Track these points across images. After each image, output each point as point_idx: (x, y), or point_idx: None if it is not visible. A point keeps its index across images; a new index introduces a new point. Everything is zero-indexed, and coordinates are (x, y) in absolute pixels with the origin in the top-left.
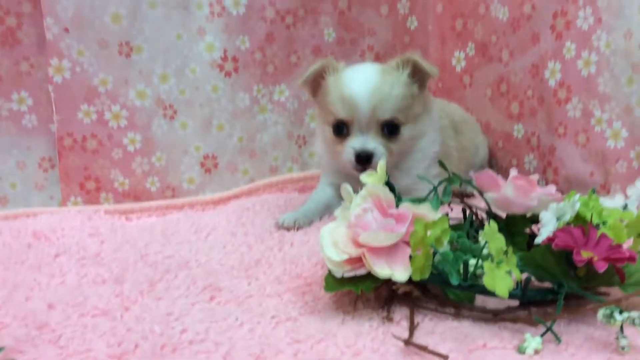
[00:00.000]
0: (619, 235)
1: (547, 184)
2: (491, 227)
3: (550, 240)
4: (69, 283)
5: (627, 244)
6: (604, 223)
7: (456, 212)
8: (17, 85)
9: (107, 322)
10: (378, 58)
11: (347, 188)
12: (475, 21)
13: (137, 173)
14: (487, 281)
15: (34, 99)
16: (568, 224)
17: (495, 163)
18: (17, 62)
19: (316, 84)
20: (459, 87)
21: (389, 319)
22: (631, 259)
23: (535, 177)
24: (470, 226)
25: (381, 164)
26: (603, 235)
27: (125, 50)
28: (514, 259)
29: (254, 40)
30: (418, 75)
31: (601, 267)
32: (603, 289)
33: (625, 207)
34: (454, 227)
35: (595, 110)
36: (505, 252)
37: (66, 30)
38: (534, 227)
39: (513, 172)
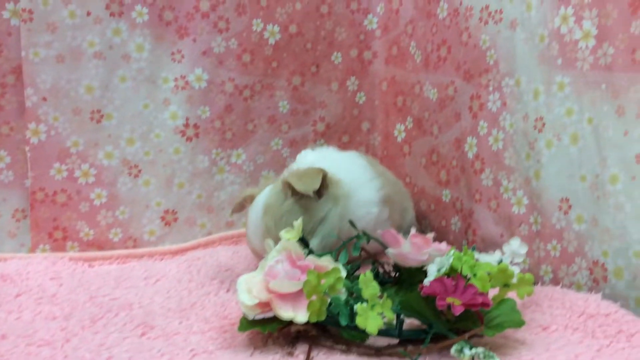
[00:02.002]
0: (483, 285)
1: (467, 243)
2: (367, 276)
3: (426, 292)
4: (24, 318)
5: (494, 292)
6: (475, 275)
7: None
8: None
9: (48, 351)
10: (329, 127)
11: (269, 243)
12: (412, 99)
13: (102, 224)
14: (359, 321)
15: (11, 157)
16: (446, 274)
17: (428, 224)
18: None
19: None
20: (400, 156)
21: (290, 353)
22: (484, 304)
23: (430, 235)
24: (376, 277)
25: (297, 223)
26: (470, 285)
27: (96, 117)
28: (388, 303)
29: (214, 110)
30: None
31: (457, 310)
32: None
33: (500, 262)
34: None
35: (504, 180)
36: (381, 297)
37: (44, 99)
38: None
39: (412, 231)
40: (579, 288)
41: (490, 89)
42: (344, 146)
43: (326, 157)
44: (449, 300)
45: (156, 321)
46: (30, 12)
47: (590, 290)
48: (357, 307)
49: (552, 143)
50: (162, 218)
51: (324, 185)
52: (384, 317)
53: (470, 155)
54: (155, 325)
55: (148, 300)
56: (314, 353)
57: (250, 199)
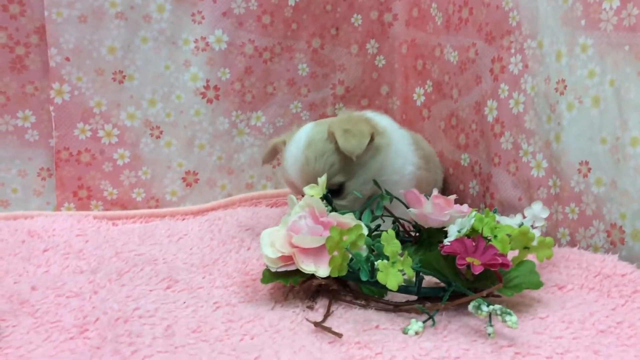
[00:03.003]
0: (503, 246)
1: (485, 206)
2: (389, 234)
3: (446, 251)
4: (52, 272)
5: (513, 254)
6: (495, 237)
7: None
8: (22, 105)
9: (77, 301)
10: (348, 91)
11: (291, 198)
12: (432, 62)
13: (125, 184)
14: (380, 276)
15: (36, 117)
16: (466, 235)
17: (447, 187)
18: (23, 85)
19: (276, 154)
20: (419, 119)
21: (310, 307)
22: (504, 265)
23: (452, 197)
24: (396, 236)
25: (321, 180)
26: (490, 246)
27: (118, 78)
28: (409, 260)
29: (234, 72)
30: None
31: (476, 270)
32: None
33: (521, 225)
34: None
35: (523, 143)
36: (401, 255)
37: (67, 59)
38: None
39: (434, 192)
40: (596, 250)
41: (512, 51)
42: (362, 108)
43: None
44: (469, 259)
45: (180, 275)
46: None
47: (607, 252)
48: (378, 263)
49: (574, 105)
50: (184, 179)
51: (370, 139)
52: (404, 274)
53: (490, 118)
54: (179, 279)
55: (172, 256)
56: (333, 307)
57: (283, 143)
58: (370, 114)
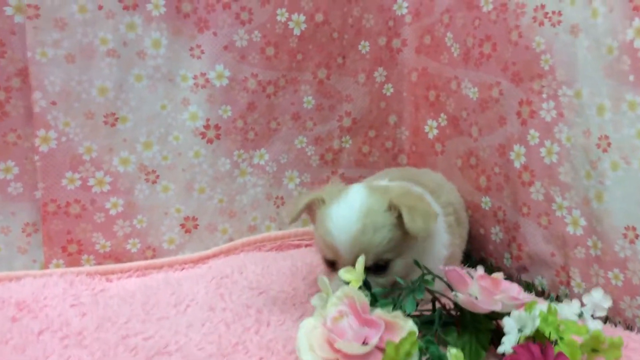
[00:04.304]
0: (573, 353)
1: (512, 257)
2: (456, 354)
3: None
4: None
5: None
6: (561, 338)
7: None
8: (4, 155)
9: None
10: (355, 122)
11: (324, 280)
12: (447, 95)
13: (119, 235)
14: None
15: (20, 167)
16: (527, 337)
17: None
18: (4, 134)
19: (309, 211)
20: (431, 154)
21: None
22: None
23: (499, 275)
24: (439, 318)
25: (360, 261)
26: (559, 354)
27: (110, 120)
28: None
29: (235, 109)
30: None
31: None
32: None
33: (580, 315)
34: (423, 323)
35: (557, 196)
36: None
37: (53, 103)
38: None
39: (480, 271)
40: None
41: (544, 96)
42: (370, 141)
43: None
44: None
45: None
46: (37, 7)
47: None
48: None
49: (619, 165)
50: (182, 225)
51: None
52: None
53: (517, 164)
54: None
55: (184, 339)
56: None
57: (321, 201)
58: (418, 189)
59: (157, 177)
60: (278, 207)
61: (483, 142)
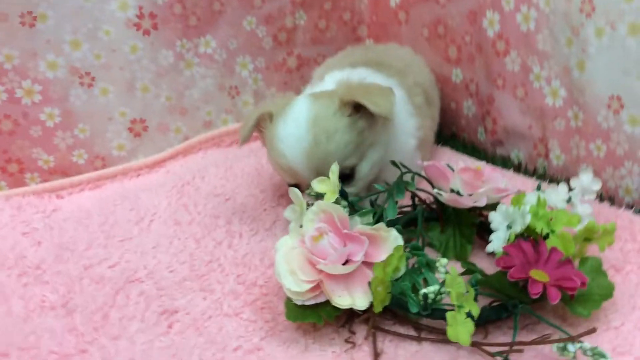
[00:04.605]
0: (567, 246)
1: (486, 131)
2: (452, 273)
3: (505, 266)
4: (15, 312)
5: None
6: (552, 231)
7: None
8: None
9: None
10: None
11: (295, 192)
12: None
13: (61, 148)
14: (450, 332)
15: None
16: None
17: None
18: None
19: (259, 131)
20: (394, 23)
21: (351, 342)
22: (582, 285)
23: (482, 164)
24: (421, 216)
25: (333, 169)
26: (553, 250)
27: (28, 20)
28: (472, 293)
29: None
30: (365, 109)
31: (554, 297)
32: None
33: (569, 200)
34: (405, 223)
35: (534, 66)
36: (466, 292)
37: None
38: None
39: (460, 165)
40: (627, 193)
41: None
42: (326, 15)
43: (364, 77)
44: (535, 275)
45: (176, 299)
46: None
47: None
48: (448, 316)
49: (604, 31)
50: (130, 129)
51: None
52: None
53: (490, 32)
54: (177, 307)
55: (153, 262)
56: (379, 342)
57: (269, 115)
58: (381, 75)
59: (93, 79)
60: (233, 97)
61: (452, 9)
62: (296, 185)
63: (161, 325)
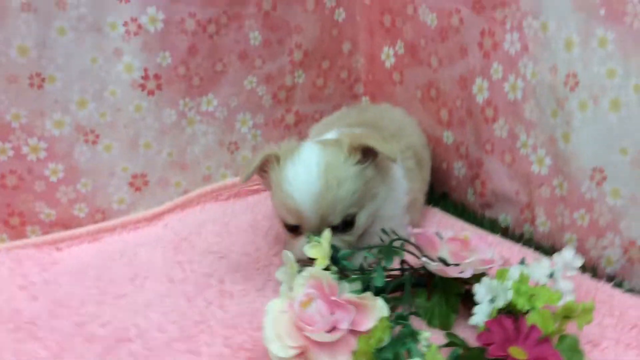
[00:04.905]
0: (546, 324)
1: (475, 193)
2: (432, 350)
3: (486, 342)
4: None
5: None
6: (533, 308)
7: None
8: None
9: None
10: (307, 55)
11: (287, 255)
12: (403, 20)
13: (63, 202)
14: None
15: None
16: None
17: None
18: None
19: (261, 173)
20: (389, 83)
21: None
22: None
23: (468, 233)
24: (409, 284)
25: (325, 235)
26: (533, 327)
27: (37, 82)
28: None
29: (175, 54)
30: (372, 156)
31: None
32: None
33: (551, 275)
34: (393, 288)
35: (521, 134)
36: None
37: None
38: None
39: (448, 234)
40: (609, 264)
41: (508, 27)
42: (324, 73)
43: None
44: (514, 353)
45: None
46: None
47: (622, 269)
48: None
49: (587, 106)
50: (131, 184)
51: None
52: None
53: (479, 99)
54: None
55: (144, 322)
56: None
57: (275, 158)
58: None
59: (97, 136)
60: (232, 152)
61: (444, 74)
62: (296, 227)
63: None
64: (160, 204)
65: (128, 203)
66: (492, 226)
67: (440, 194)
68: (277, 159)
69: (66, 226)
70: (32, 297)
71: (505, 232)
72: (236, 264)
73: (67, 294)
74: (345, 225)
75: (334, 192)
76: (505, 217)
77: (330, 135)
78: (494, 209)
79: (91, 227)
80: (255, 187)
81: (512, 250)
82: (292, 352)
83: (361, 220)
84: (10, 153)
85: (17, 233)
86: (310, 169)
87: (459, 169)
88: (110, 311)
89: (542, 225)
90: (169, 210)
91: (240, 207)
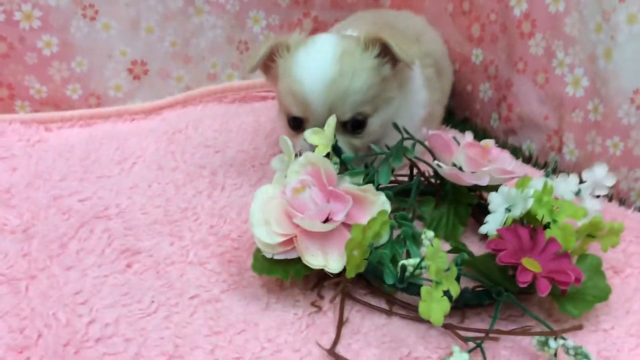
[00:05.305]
0: (567, 239)
1: (500, 118)
2: (434, 246)
3: (495, 249)
4: None
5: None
6: (554, 221)
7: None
8: None
9: (10, 297)
10: None
11: (286, 140)
12: None
13: (56, 79)
14: (422, 308)
15: None
16: (515, 219)
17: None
18: None
19: (267, 64)
20: None
21: (317, 305)
22: (577, 281)
23: (490, 142)
24: (416, 188)
25: (330, 122)
26: (551, 240)
27: None
28: (454, 272)
29: None
30: (391, 54)
31: (543, 289)
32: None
33: (578, 192)
34: (398, 192)
35: (559, 51)
36: (447, 269)
37: None
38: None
39: (468, 137)
40: (639, 196)
41: None
42: None
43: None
44: (526, 264)
45: (142, 242)
46: None
47: None
48: (423, 291)
49: (637, 19)
50: (130, 70)
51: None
52: (448, 293)
53: (517, 12)
54: (141, 249)
55: (127, 201)
56: (345, 310)
57: (285, 46)
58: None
59: (96, 12)
60: (241, 52)
61: None
62: (300, 122)
63: (119, 264)
64: (159, 97)
65: (125, 91)
66: (515, 153)
67: (462, 118)
68: (288, 47)
69: (57, 106)
70: (11, 168)
71: (528, 161)
72: (232, 159)
73: (48, 169)
74: (355, 125)
75: (348, 81)
76: (529, 144)
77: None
78: (519, 135)
79: (85, 112)
80: (262, 94)
81: (534, 175)
82: (279, 239)
83: (373, 125)
84: (2, 17)
85: (5, 106)
86: (324, 55)
87: (485, 91)
88: (91, 188)
89: (570, 153)
90: (168, 105)
91: (244, 110)
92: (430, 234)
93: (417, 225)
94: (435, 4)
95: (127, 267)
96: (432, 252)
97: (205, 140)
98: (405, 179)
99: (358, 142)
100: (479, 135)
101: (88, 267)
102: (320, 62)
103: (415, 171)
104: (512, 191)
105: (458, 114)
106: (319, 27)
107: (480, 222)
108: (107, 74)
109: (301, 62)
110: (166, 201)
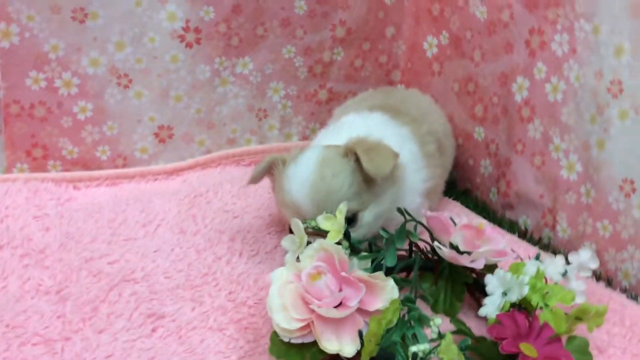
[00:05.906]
0: (559, 324)
1: (498, 193)
2: (447, 340)
3: (498, 336)
4: (10, 290)
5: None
6: (546, 305)
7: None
8: None
9: (47, 357)
10: (349, 33)
11: (297, 223)
12: (452, 11)
13: (87, 142)
14: None
15: None
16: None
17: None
18: None
19: (270, 176)
20: (428, 73)
21: None
22: None
23: (483, 222)
24: (417, 267)
25: (341, 208)
26: (545, 325)
27: (79, 16)
28: (461, 358)
29: (219, 11)
30: None
31: None
32: None
33: (564, 273)
34: (400, 269)
35: (555, 137)
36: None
37: None
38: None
39: (463, 220)
40: (626, 277)
41: (559, 27)
42: (363, 55)
43: (378, 126)
44: (525, 350)
45: (166, 307)
46: None
47: (638, 284)
48: None
49: (628, 115)
50: (156, 135)
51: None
52: None
53: (518, 97)
54: (165, 313)
55: (151, 265)
56: None
57: (282, 161)
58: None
59: (130, 81)
60: (260, 119)
61: (485, 69)
62: None
63: (146, 328)
64: (181, 159)
65: (150, 153)
66: (511, 227)
67: (462, 190)
68: (284, 162)
69: (87, 166)
70: (45, 228)
71: (524, 235)
72: (249, 225)
73: (79, 230)
74: (347, 221)
75: (328, 181)
76: (525, 219)
77: (345, 121)
78: (515, 210)
79: (111, 172)
80: None
81: (528, 250)
82: (297, 325)
83: (365, 219)
84: (43, 84)
85: (38, 165)
86: (308, 164)
87: (485, 166)
88: (119, 251)
89: (563, 231)
90: (189, 167)
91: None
92: (439, 321)
93: (418, 302)
94: (443, 83)
95: (153, 331)
96: (446, 347)
97: (225, 205)
98: (404, 252)
99: (353, 234)
100: (479, 207)
101: (118, 330)
102: (305, 170)
103: (414, 247)
104: (508, 276)
105: (459, 185)
106: (333, 98)
107: (475, 297)
108: (135, 138)
109: (290, 174)
110: (188, 266)
